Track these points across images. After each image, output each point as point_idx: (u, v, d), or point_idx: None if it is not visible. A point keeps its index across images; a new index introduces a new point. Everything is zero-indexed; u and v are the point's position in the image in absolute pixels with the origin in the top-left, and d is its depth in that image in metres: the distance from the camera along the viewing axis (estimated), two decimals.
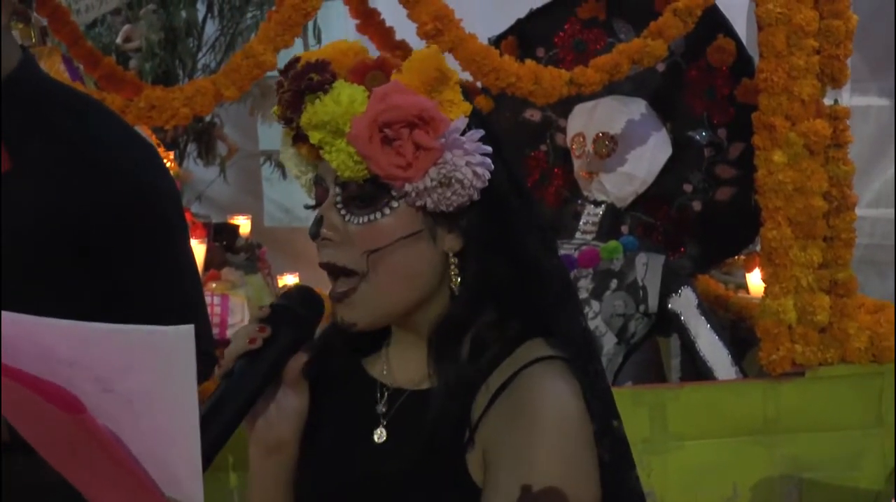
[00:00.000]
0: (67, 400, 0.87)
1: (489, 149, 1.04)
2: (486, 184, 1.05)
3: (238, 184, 6.35)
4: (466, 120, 1.05)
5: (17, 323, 0.92)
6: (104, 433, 0.89)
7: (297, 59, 1.07)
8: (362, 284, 1.07)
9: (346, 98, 1.02)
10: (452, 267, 1.08)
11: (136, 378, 0.90)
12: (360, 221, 1.06)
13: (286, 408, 1.11)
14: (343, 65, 1.06)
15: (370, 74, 1.05)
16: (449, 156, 1.02)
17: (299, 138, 1.08)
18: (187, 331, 0.88)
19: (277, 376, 1.09)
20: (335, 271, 1.08)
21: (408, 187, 1.03)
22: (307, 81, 1.04)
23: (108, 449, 0.89)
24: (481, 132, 1.04)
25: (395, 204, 1.05)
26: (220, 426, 1.02)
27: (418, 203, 1.04)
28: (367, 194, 1.05)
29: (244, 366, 1.06)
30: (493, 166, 1.04)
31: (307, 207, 1.14)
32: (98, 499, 1.00)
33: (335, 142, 1.03)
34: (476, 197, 1.05)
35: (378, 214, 1.06)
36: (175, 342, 0.88)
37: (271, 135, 6.23)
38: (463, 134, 1.03)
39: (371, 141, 1.01)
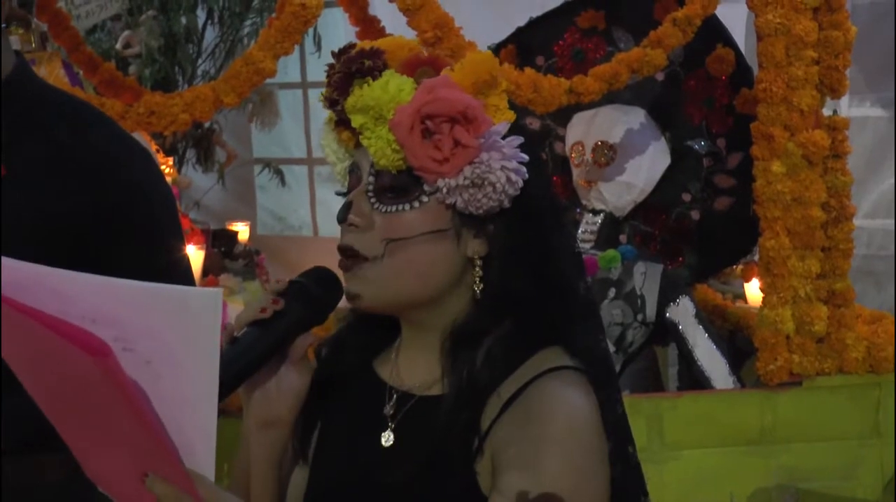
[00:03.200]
0: (92, 343, 0.82)
1: (526, 157, 1.04)
2: (518, 191, 1.04)
3: (232, 191, 6.33)
4: (508, 126, 1.05)
5: (39, 274, 0.89)
6: (127, 381, 0.85)
7: (351, 45, 1.08)
8: (373, 265, 1.06)
9: (394, 87, 1.03)
10: (477, 269, 1.07)
11: (159, 338, 0.87)
12: (388, 210, 1.06)
13: (286, 386, 1.10)
14: (397, 57, 1.07)
15: (421, 69, 1.05)
16: (485, 156, 1.02)
17: (341, 123, 1.08)
18: (216, 293, 0.85)
19: (282, 351, 1.08)
20: (351, 254, 1.08)
21: (440, 183, 1.03)
22: (358, 65, 1.05)
23: (130, 399, 0.85)
24: (521, 139, 1.04)
25: (424, 198, 1.05)
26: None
27: (448, 200, 1.04)
28: (400, 185, 1.06)
29: (250, 334, 1.05)
30: (527, 175, 1.04)
31: (338, 194, 1.14)
32: (99, 464, 0.96)
33: (376, 128, 1.04)
34: (507, 204, 1.05)
35: (406, 206, 1.05)
36: (202, 304, 0.86)
37: (267, 142, 6.22)
38: (503, 139, 1.03)
39: (412, 131, 1.01)
